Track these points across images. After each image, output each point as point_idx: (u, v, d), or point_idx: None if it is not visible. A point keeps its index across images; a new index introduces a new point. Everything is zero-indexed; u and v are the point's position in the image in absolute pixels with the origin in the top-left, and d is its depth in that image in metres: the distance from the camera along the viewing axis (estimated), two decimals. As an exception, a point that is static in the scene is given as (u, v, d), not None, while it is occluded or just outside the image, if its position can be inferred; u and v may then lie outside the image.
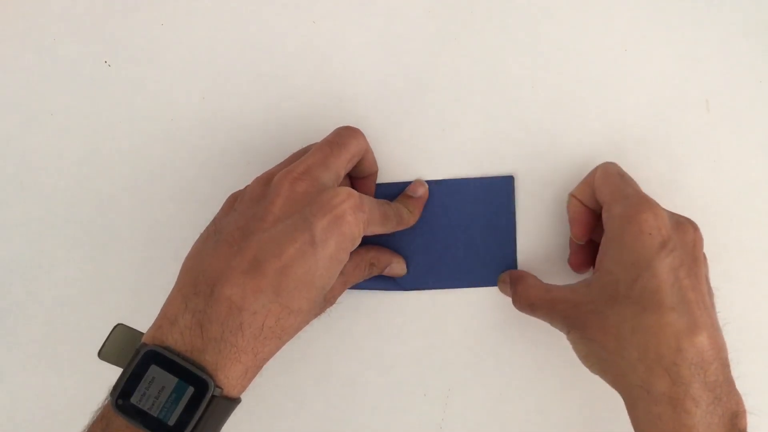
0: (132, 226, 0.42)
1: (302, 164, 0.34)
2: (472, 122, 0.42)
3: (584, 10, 0.43)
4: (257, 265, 0.31)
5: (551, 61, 0.43)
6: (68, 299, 0.42)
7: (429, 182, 0.42)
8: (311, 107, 0.43)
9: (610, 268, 0.34)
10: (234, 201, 0.36)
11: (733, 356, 0.40)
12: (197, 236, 0.39)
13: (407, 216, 0.40)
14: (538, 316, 0.37)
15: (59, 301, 0.42)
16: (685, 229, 0.34)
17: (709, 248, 0.41)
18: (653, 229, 0.33)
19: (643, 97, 0.43)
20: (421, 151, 0.42)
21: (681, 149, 0.42)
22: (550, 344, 0.41)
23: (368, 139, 0.39)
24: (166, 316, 0.32)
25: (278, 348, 0.33)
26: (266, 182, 0.35)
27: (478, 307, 0.41)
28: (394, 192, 0.41)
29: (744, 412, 0.32)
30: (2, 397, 0.41)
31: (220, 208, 0.37)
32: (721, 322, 0.37)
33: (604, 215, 0.36)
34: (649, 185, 0.42)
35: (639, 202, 0.34)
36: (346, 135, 0.37)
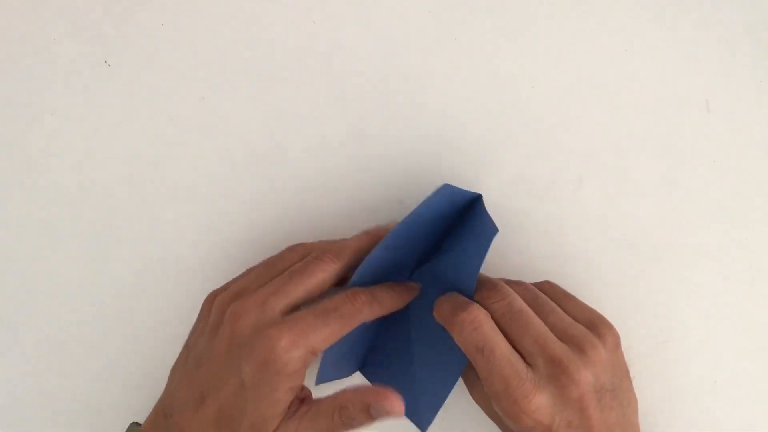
0: (132, 226, 0.42)
1: (252, 298, 0.34)
2: (473, 123, 0.42)
3: (584, 10, 0.43)
4: (202, 399, 0.34)
5: (551, 61, 0.43)
6: (68, 299, 0.42)
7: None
8: (311, 107, 0.43)
9: None
10: (208, 313, 0.37)
11: (733, 356, 0.40)
12: (197, 236, 0.39)
13: (389, 299, 0.37)
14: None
15: (59, 301, 0.42)
16: (567, 392, 0.34)
17: (709, 248, 0.42)
18: (533, 425, 0.33)
19: (643, 97, 0.43)
20: (422, 151, 0.42)
21: (681, 149, 0.42)
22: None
23: (369, 139, 0.39)
24: (144, 430, 0.36)
25: None
26: (227, 302, 0.35)
27: (478, 307, 0.41)
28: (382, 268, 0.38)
29: None
30: (2, 396, 0.41)
31: (213, 210, 0.37)
32: (719, 321, 0.37)
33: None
34: (649, 185, 0.42)
35: (510, 406, 0.33)
36: (312, 266, 0.36)
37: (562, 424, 0.33)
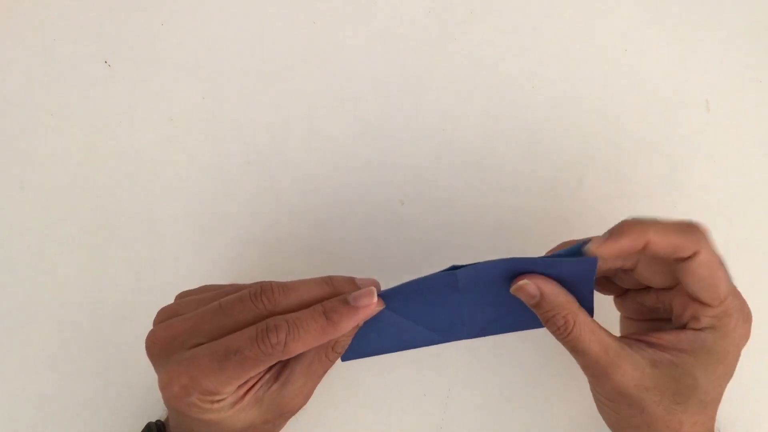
0: (132, 226, 0.42)
1: (183, 374, 0.31)
2: (472, 123, 0.42)
3: (584, 10, 0.43)
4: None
5: (551, 61, 0.43)
6: (68, 299, 0.42)
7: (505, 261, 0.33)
8: (311, 107, 0.43)
9: (695, 374, 0.32)
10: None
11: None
12: (197, 236, 0.39)
13: (315, 331, 0.31)
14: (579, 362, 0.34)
15: (59, 301, 0.42)
16: (747, 312, 0.34)
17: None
18: (746, 340, 0.33)
19: (643, 97, 0.43)
20: (421, 151, 0.42)
21: (681, 149, 0.42)
22: (551, 344, 0.41)
23: (369, 139, 0.39)
24: None
25: None
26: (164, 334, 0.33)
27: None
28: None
29: None
30: (2, 397, 0.41)
31: (213, 210, 0.37)
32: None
33: (693, 316, 0.33)
34: (649, 185, 0.42)
35: (744, 321, 0.33)
36: (258, 352, 0.30)
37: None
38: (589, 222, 0.42)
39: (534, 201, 0.42)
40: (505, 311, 0.36)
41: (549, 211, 0.42)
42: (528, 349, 0.41)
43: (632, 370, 0.32)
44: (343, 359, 0.35)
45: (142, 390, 0.41)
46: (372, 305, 0.31)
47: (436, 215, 0.42)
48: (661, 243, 0.31)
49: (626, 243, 0.31)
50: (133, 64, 0.43)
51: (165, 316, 0.33)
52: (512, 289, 0.33)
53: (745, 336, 0.33)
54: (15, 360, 0.42)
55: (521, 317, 0.36)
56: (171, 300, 0.36)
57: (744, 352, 0.37)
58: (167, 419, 0.36)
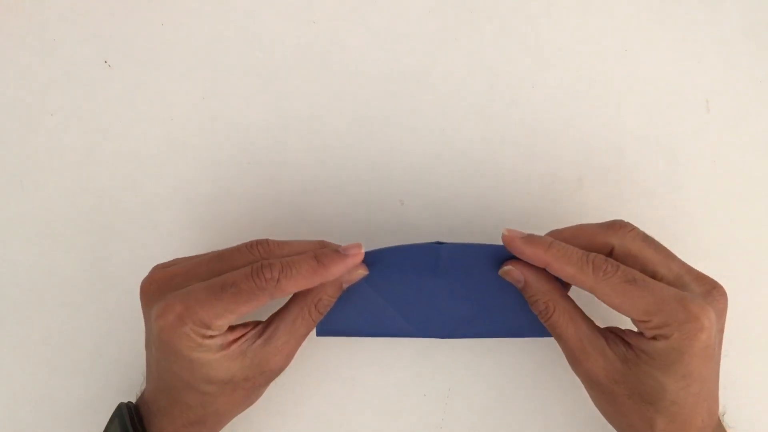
0: (132, 226, 0.42)
1: (179, 298, 0.32)
2: (473, 123, 0.42)
3: (584, 10, 0.43)
4: (154, 387, 0.35)
5: (551, 61, 0.43)
6: (68, 299, 0.42)
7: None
8: (311, 107, 0.43)
9: (658, 379, 0.32)
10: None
11: (733, 356, 0.40)
12: (197, 236, 0.39)
13: (306, 269, 0.33)
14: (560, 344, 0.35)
15: (59, 301, 0.42)
16: (721, 307, 0.33)
17: (709, 248, 0.42)
18: (707, 344, 0.32)
19: (643, 97, 0.43)
20: (422, 151, 0.42)
21: (681, 149, 0.42)
22: (550, 344, 0.41)
23: (369, 139, 0.39)
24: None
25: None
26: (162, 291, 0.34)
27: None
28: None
29: None
30: (2, 397, 0.41)
31: (213, 210, 0.37)
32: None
33: (644, 327, 0.32)
34: (649, 185, 0.42)
35: (693, 320, 0.31)
36: (255, 289, 0.32)
37: (716, 341, 0.32)
38: (589, 222, 0.42)
39: (534, 201, 0.42)
40: (480, 310, 0.37)
41: (549, 211, 0.42)
42: (528, 350, 0.41)
43: (603, 361, 0.33)
44: (319, 333, 0.37)
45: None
46: (360, 254, 0.34)
47: (436, 215, 0.42)
48: (559, 271, 0.33)
49: (528, 253, 0.33)
50: (133, 64, 0.43)
51: (160, 267, 0.35)
52: (500, 272, 0.35)
53: (705, 340, 0.31)
54: (15, 360, 0.42)
55: (497, 321, 0.37)
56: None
57: (744, 352, 0.37)
58: (141, 397, 0.36)
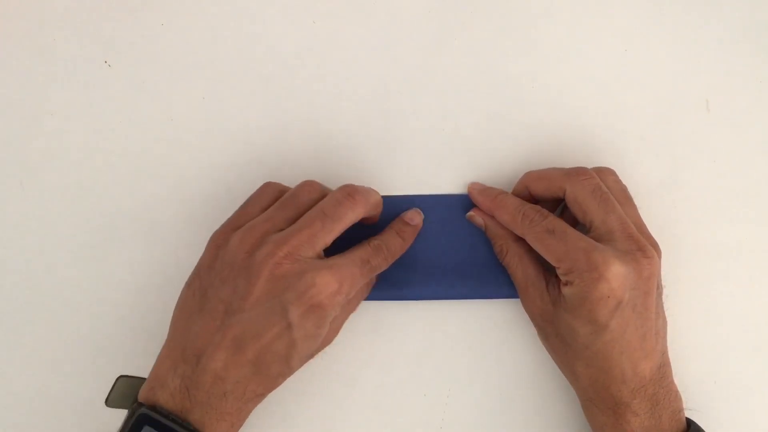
0: (132, 226, 0.42)
1: (287, 243, 0.34)
2: (473, 122, 0.42)
3: (584, 10, 0.43)
4: (238, 344, 0.34)
5: (551, 61, 0.43)
6: (68, 299, 0.42)
7: (443, 196, 0.42)
8: (311, 107, 0.43)
9: (569, 322, 0.35)
10: (217, 249, 0.36)
11: (732, 356, 0.40)
12: (197, 236, 0.39)
13: (398, 246, 0.39)
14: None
15: (59, 301, 0.42)
16: (641, 267, 0.34)
17: (709, 247, 0.42)
18: (608, 294, 0.33)
19: (643, 97, 0.43)
20: (421, 151, 0.42)
21: (681, 149, 0.42)
22: (550, 344, 0.41)
23: (368, 140, 0.39)
24: (157, 378, 0.34)
25: (262, 399, 0.36)
26: (250, 242, 0.35)
27: (479, 307, 0.41)
28: (393, 205, 0.41)
29: (682, 408, 0.36)
30: (2, 397, 0.41)
31: (213, 210, 0.36)
32: (719, 321, 0.37)
33: (559, 273, 0.36)
34: (649, 185, 0.42)
35: (592, 269, 0.34)
36: (344, 207, 0.36)
37: (629, 304, 0.34)
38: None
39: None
40: (457, 264, 0.41)
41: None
42: (527, 349, 0.41)
43: (540, 301, 0.37)
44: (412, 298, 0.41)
45: (142, 390, 0.41)
46: (420, 223, 0.40)
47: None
48: (499, 218, 0.39)
49: (479, 201, 0.40)
50: (133, 64, 0.43)
51: (258, 236, 0.35)
52: (467, 216, 0.40)
53: (606, 290, 0.33)
54: (15, 360, 0.42)
55: (473, 278, 0.40)
56: (170, 300, 0.36)
57: (744, 352, 0.37)
58: (176, 388, 0.34)
